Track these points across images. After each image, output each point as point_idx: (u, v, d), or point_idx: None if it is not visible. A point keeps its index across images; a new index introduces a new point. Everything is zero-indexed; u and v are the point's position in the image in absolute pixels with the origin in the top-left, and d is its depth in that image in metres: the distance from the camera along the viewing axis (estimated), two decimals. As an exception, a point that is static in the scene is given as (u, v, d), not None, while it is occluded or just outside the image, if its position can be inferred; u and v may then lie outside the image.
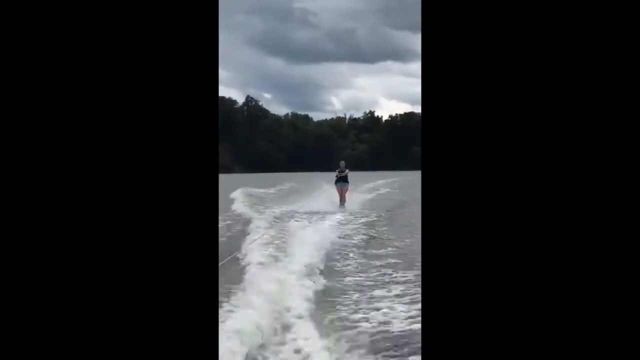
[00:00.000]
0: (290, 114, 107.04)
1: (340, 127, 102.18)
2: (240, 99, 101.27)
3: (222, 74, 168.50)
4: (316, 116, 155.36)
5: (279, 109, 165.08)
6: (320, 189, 16.52)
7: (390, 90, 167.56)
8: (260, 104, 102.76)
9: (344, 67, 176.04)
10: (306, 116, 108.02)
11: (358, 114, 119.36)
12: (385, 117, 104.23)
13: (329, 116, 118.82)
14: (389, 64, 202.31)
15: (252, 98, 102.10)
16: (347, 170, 14.97)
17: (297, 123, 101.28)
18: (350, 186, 15.14)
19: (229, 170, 78.94)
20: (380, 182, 27.35)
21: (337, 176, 14.97)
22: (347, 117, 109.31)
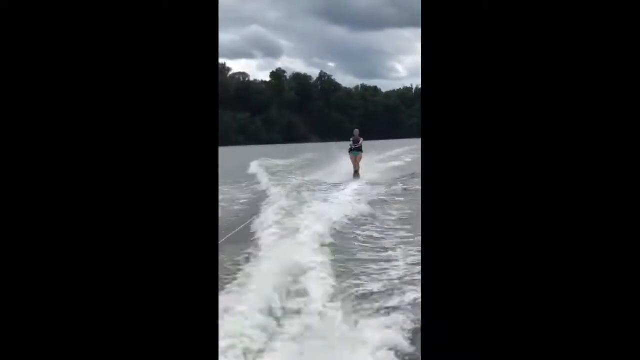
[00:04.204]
0: (360, 86, 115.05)
1: (407, 97, 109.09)
2: (303, 69, 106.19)
3: (285, 44, 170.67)
4: (382, 84, 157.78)
5: (344, 78, 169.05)
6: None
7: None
8: (332, 78, 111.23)
9: (407, 33, 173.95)
10: (375, 88, 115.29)
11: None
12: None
13: (395, 85, 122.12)
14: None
15: (324, 73, 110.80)
16: (361, 140, 15.47)
17: (366, 94, 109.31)
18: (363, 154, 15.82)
19: (306, 140, 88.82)
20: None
21: (351, 146, 15.35)
22: (414, 87, 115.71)
